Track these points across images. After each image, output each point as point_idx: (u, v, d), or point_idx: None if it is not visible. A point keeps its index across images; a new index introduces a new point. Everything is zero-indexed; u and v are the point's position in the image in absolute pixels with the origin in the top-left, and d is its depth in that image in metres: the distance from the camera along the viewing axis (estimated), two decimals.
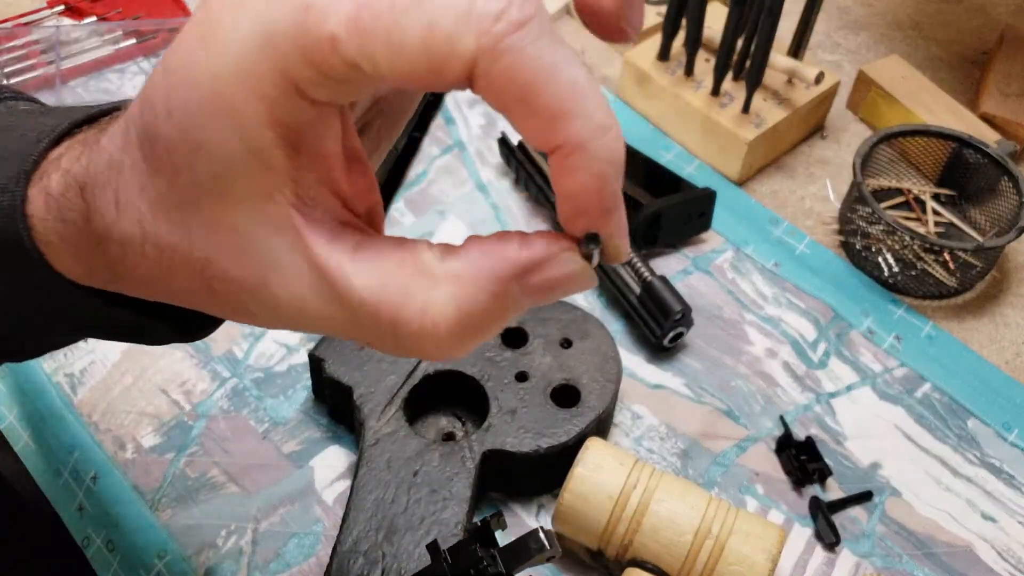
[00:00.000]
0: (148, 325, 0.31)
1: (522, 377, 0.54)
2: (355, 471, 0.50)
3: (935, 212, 0.72)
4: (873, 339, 0.64)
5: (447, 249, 0.24)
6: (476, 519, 0.43)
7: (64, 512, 0.54)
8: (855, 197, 0.68)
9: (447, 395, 0.55)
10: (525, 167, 0.69)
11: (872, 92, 0.79)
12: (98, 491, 0.53)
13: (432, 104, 0.76)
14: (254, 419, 0.57)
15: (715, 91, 0.73)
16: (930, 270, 0.65)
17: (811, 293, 0.67)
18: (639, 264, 0.62)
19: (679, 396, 0.60)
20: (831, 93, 0.77)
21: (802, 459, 0.56)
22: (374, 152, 0.31)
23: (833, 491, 0.56)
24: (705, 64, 0.76)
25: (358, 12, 0.21)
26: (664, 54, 0.76)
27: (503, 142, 0.71)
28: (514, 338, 0.56)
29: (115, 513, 0.52)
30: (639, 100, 0.77)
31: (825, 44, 0.88)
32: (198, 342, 0.60)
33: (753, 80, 0.70)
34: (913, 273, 0.66)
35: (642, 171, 0.70)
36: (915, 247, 0.65)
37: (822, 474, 0.56)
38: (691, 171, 0.74)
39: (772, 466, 0.57)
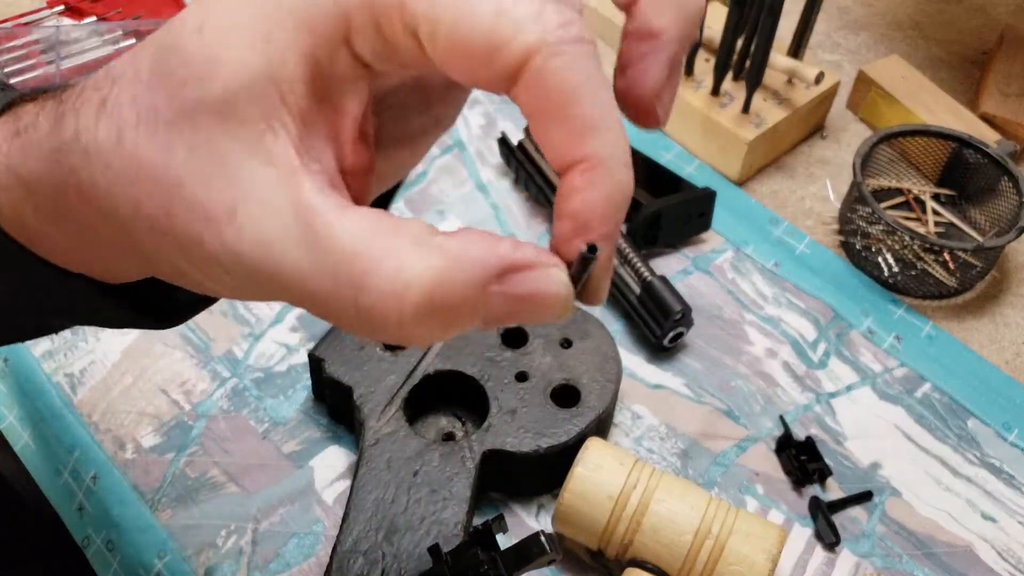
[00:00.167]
0: (104, 304, 0.30)
1: (522, 377, 0.54)
2: (355, 471, 0.50)
3: (935, 212, 0.72)
4: (873, 339, 0.64)
5: (439, 230, 0.23)
6: (477, 522, 0.43)
7: (64, 512, 0.54)
8: (855, 197, 0.68)
9: (447, 395, 0.55)
10: (525, 167, 0.69)
11: (872, 92, 0.79)
12: (98, 491, 0.53)
13: None
14: (254, 419, 0.57)
15: (715, 91, 0.73)
16: (930, 270, 0.65)
17: (811, 293, 0.67)
18: (639, 264, 0.62)
19: (679, 396, 0.60)
20: (831, 93, 0.77)
21: (802, 459, 0.56)
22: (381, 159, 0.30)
23: (833, 491, 0.56)
24: (705, 64, 0.76)
25: None
26: None
27: (503, 142, 0.71)
28: (514, 338, 0.56)
29: (115, 513, 0.52)
30: None
31: (825, 44, 0.88)
32: (198, 342, 0.60)
33: (753, 80, 0.70)
34: (913, 273, 0.66)
35: (642, 171, 0.70)
36: (915, 247, 0.65)
37: (822, 474, 0.56)
38: (691, 171, 0.74)
39: (772, 466, 0.57)
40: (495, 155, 0.73)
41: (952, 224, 0.72)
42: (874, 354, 0.63)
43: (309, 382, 0.58)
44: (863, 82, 0.80)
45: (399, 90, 0.30)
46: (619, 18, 0.26)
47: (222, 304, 0.62)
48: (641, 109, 0.26)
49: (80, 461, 0.55)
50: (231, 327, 0.61)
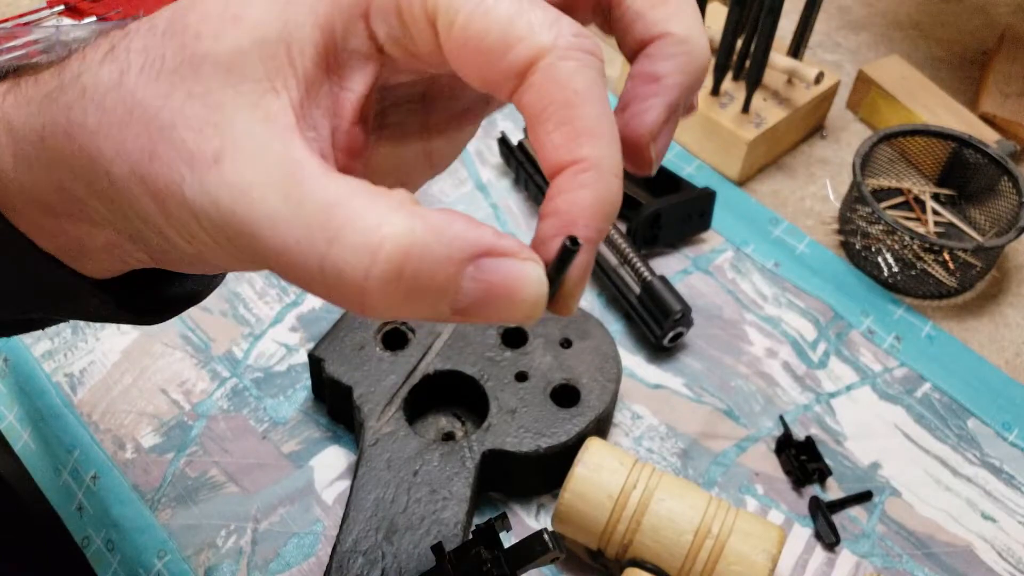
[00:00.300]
0: (88, 296, 0.30)
1: (522, 377, 0.54)
2: (355, 471, 0.50)
3: (935, 212, 0.72)
4: (873, 339, 0.64)
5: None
6: (480, 521, 0.43)
7: (64, 512, 0.54)
8: (855, 197, 0.68)
9: (447, 395, 0.55)
10: (525, 167, 0.69)
11: (872, 92, 0.79)
12: (98, 491, 0.53)
13: None
14: (254, 419, 0.57)
15: (715, 91, 0.73)
16: (930, 270, 0.65)
17: (811, 293, 0.67)
18: (639, 264, 0.62)
19: (679, 396, 0.60)
20: (831, 93, 0.77)
21: (802, 459, 0.56)
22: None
23: (833, 491, 0.56)
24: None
25: None
26: None
27: (503, 142, 0.71)
28: (514, 338, 0.56)
29: (115, 513, 0.52)
30: None
31: (825, 44, 0.88)
32: (198, 342, 0.60)
33: (753, 80, 0.70)
34: (913, 273, 0.66)
35: None
36: (915, 247, 0.65)
37: (822, 474, 0.56)
38: (691, 171, 0.74)
39: (772, 466, 0.57)
40: (495, 155, 0.73)
41: (952, 224, 0.72)
42: (874, 354, 0.63)
43: (309, 382, 0.58)
44: (863, 82, 0.80)
45: (399, 108, 0.30)
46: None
47: (222, 304, 0.62)
48: (634, 149, 0.26)
49: (80, 461, 0.55)
50: (231, 327, 0.61)
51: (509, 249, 0.22)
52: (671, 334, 0.60)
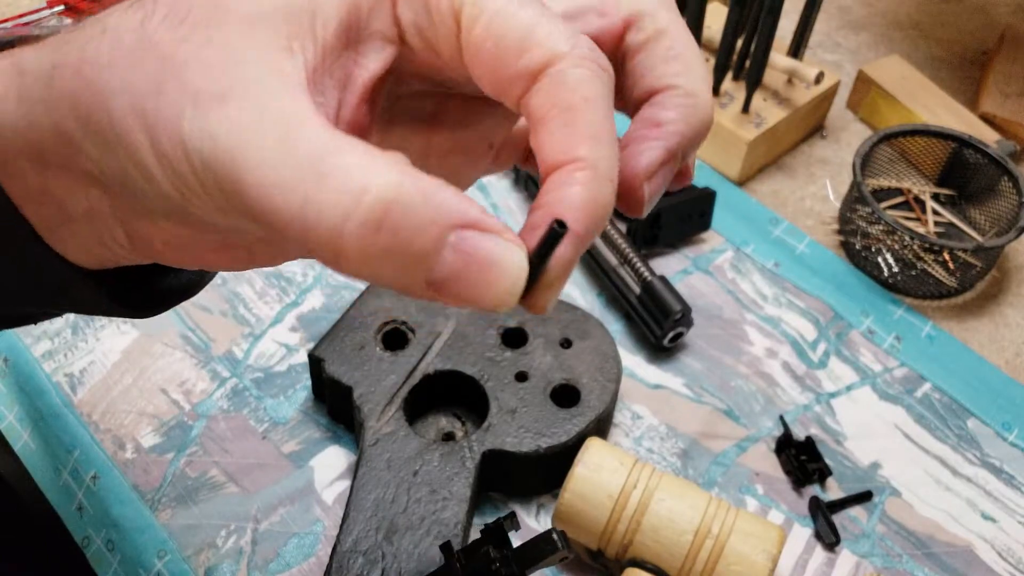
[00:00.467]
0: (82, 287, 0.30)
1: (522, 377, 0.54)
2: (355, 471, 0.50)
3: (935, 212, 0.72)
4: (873, 339, 0.64)
5: None
6: (480, 521, 0.43)
7: (64, 512, 0.54)
8: (855, 197, 0.68)
9: (447, 395, 0.55)
10: None
11: (872, 92, 0.79)
12: (98, 491, 0.53)
13: None
14: (254, 419, 0.57)
15: (715, 91, 0.73)
16: (930, 270, 0.65)
17: (811, 293, 0.67)
18: (639, 264, 0.62)
19: (679, 396, 0.60)
20: (831, 93, 0.77)
21: (802, 459, 0.56)
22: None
23: (833, 491, 0.56)
24: (705, 64, 0.76)
25: None
26: None
27: None
28: (514, 338, 0.56)
29: (115, 513, 0.52)
30: None
31: (825, 44, 0.88)
32: (198, 342, 0.60)
33: (753, 80, 0.70)
34: (913, 273, 0.66)
35: None
36: (915, 247, 0.65)
37: (822, 474, 0.56)
38: None
39: (772, 466, 0.57)
40: None
41: (952, 224, 0.72)
42: (874, 354, 0.63)
43: (309, 382, 0.58)
44: (863, 82, 0.80)
45: (404, 123, 0.30)
46: None
47: (222, 304, 0.62)
48: (627, 187, 0.26)
49: (80, 461, 0.55)
50: (231, 327, 0.61)
51: (494, 227, 0.22)
52: (671, 334, 0.60)
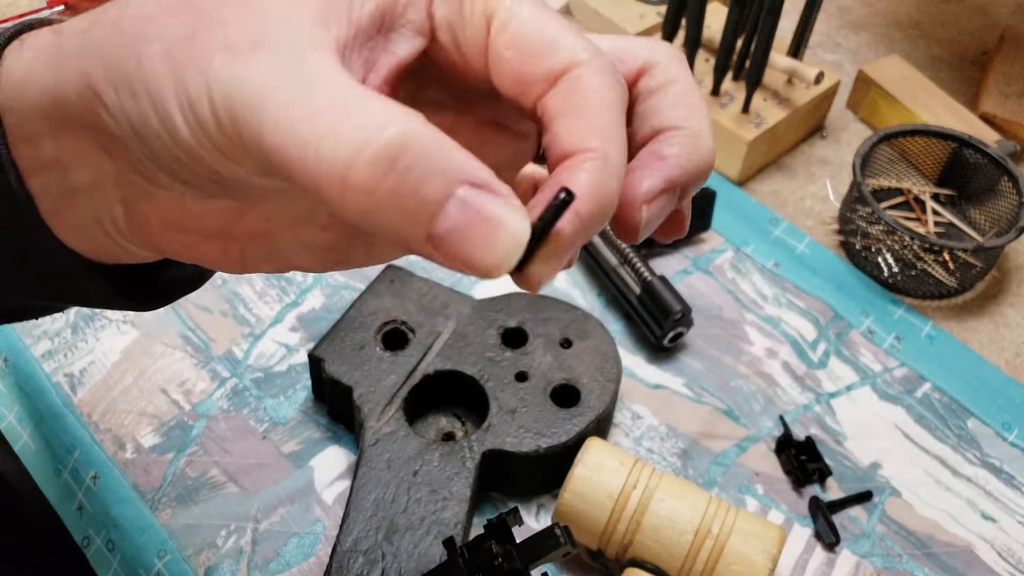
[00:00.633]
0: (86, 279, 0.30)
1: (522, 377, 0.54)
2: (355, 471, 0.50)
3: (935, 212, 0.72)
4: (873, 339, 0.64)
5: None
6: (480, 521, 0.43)
7: (64, 512, 0.54)
8: (855, 197, 0.68)
9: (447, 395, 0.55)
10: None
11: (872, 92, 0.79)
12: (98, 491, 0.53)
13: None
14: (254, 419, 0.57)
15: (715, 91, 0.73)
16: (930, 270, 0.65)
17: (811, 293, 0.67)
18: (639, 264, 0.62)
19: (679, 396, 0.60)
20: (831, 93, 0.77)
21: (802, 459, 0.56)
22: None
23: (833, 491, 0.56)
24: (705, 64, 0.76)
25: None
26: None
27: None
28: (514, 338, 0.56)
29: (115, 513, 0.52)
30: None
31: (825, 44, 0.88)
32: (198, 342, 0.60)
33: (753, 80, 0.70)
34: (913, 273, 0.66)
35: None
36: (915, 247, 0.65)
37: (822, 474, 0.56)
38: None
39: (772, 466, 0.57)
40: None
41: (952, 224, 0.72)
42: (874, 354, 0.63)
43: (309, 382, 0.58)
44: (863, 82, 0.80)
45: None
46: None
47: (222, 304, 0.62)
48: (625, 209, 0.27)
49: (80, 461, 0.55)
50: (231, 327, 0.61)
51: (502, 190, 0.22)
52: (671, 334, 0.60)
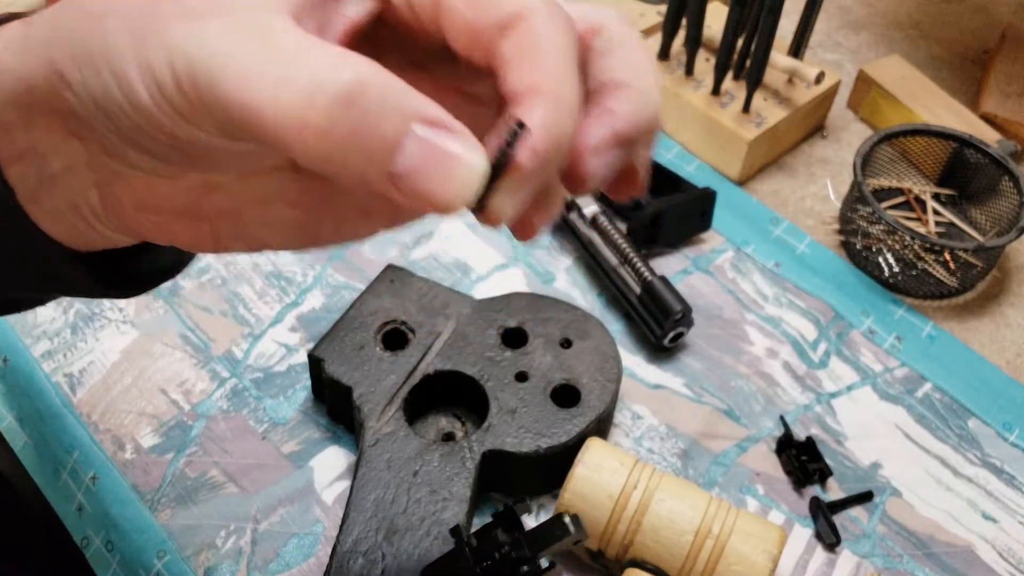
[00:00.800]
0: (66, 267, 0.30)
1: (522, 377, 0.54)
2: (355, 471, 0.50)
3: (935, 212, 0.72)
4: (873, 339, 0.64)
5: None
6: (477, 522, 0.43)
7: (63, 512, 0.54)
8: (855, 197, 0.68)
9: (447, 395, 0.55)
10: None
11: (873, 92, 0.79)
12: (97, 491, 0.53)
13: None
14: (254, 419, 0.57)
15: (715, 90, 0.73)
16: (930, 270, 0.65)
17: (812, 293, 0.67)
18: (639, 264, 0.62)
19: (679, 396, 0.60)
20: (831, 93, 0.77)
21: (802, 459, 0.56)
22: None
23: (833, 491, 0.56)
24: (705, 64, 0.76)
25: None
26: (664, 53, 0.76)
27: None
28: (514, 338, 0.56)
29: (114, 513, 0.52)
30: None
31: (826, 43, 0.88)
32: (198, 342, 0.60)
33: (753, 79, 0.70)
34: (913, 273, 0.66)
35: None
36: (915, 247, 0.65)
37: (822, 474, 0.56)
38: (691, 171, 0.74)
39: (772, 466, 0.57)
40: None
41: (952, 224, 0.72)
42: (875, 354, 0.63)
43: (309, 382, 0.58)
44: (864, 82, 0.80)
45: None
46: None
47: (222, 304, 0.62)
48: (573, 159, 0.27)
49: (79, 461, 0.55)
50: (231, 327, 0.61)
51: (458, 127, 0.23)
52: (671, 334, 0.60)
